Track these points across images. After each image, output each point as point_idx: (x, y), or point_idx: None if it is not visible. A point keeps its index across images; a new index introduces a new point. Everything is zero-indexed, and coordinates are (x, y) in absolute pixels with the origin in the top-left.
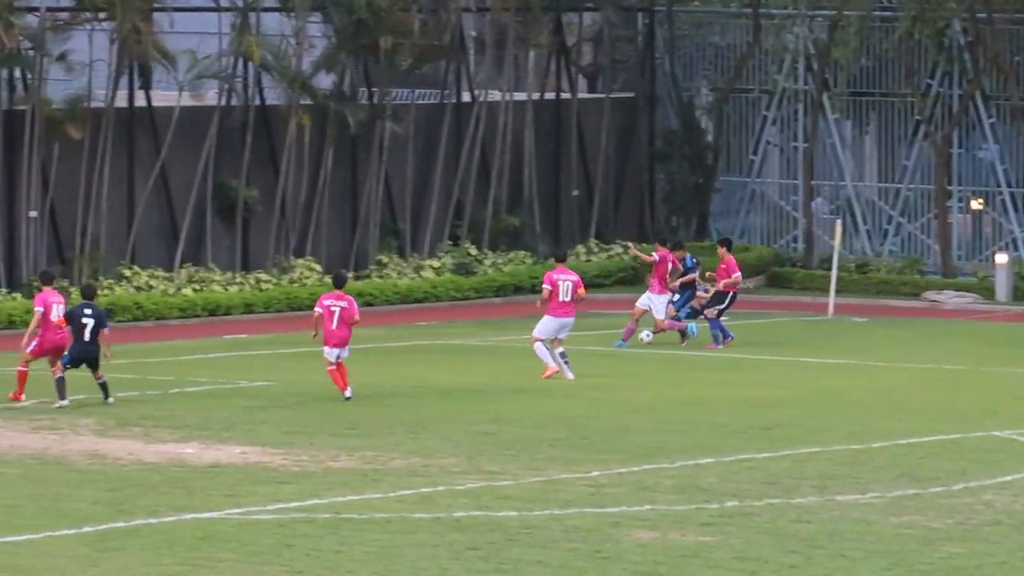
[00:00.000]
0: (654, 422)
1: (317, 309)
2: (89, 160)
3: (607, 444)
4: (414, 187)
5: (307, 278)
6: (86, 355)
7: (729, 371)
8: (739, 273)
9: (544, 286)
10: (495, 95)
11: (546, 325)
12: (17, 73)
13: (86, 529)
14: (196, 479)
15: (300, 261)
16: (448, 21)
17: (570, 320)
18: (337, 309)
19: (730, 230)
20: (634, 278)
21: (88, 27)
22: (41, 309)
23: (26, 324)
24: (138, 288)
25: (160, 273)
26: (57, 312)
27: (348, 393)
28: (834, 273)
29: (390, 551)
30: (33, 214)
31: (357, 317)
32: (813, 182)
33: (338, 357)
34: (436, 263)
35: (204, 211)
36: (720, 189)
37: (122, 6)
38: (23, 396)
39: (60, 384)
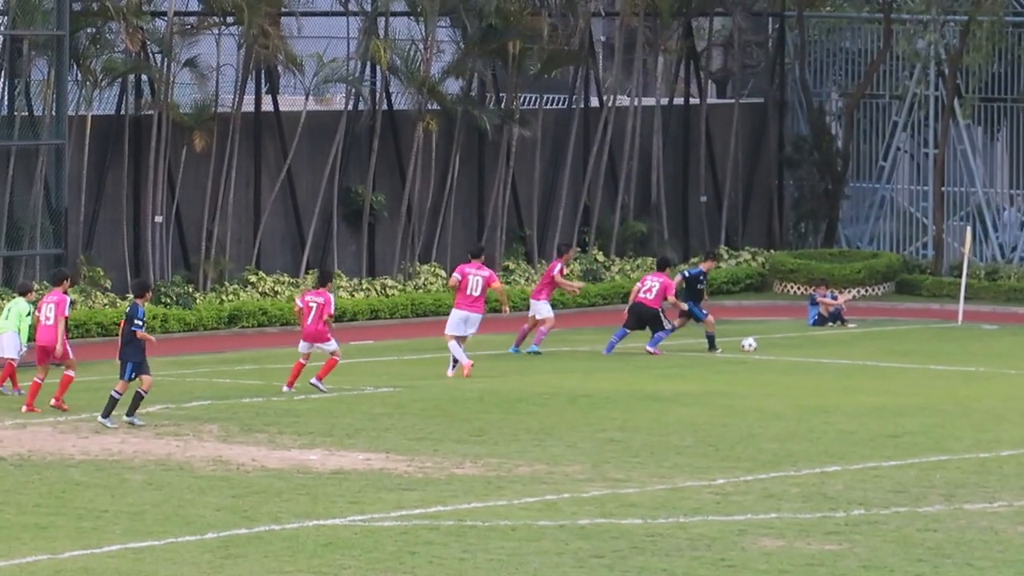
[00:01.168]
0: (781, 429)
1: (298, 303)
2: (216, 165)
3: (733, 452)
4: (541, 193)
5: (432, 284)
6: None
7: (857, 379)
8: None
9: (454, 275)
10: (624, 100)
11: (452, 318)
12: (144, 78)
13: (209, 536)
14: (320, 486)
15: (425, 267)
16: (577, 26)
17: (476, 316)
18: (314, 305)
19: (859, 236)
20: (762, 285)
21: (215, 31)
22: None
23: (152, 330)
24: (263, 294)
25: (286, 278)
26: (44, 312)
27: (286, 388)
28: (964, 280)
29: (514, 559)
30: (159, 219)
31: (327, 315)
32: (944, 188)
33: (308, 351)
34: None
35: (330, 216)
36: (850, 196)
37: (250, 10)
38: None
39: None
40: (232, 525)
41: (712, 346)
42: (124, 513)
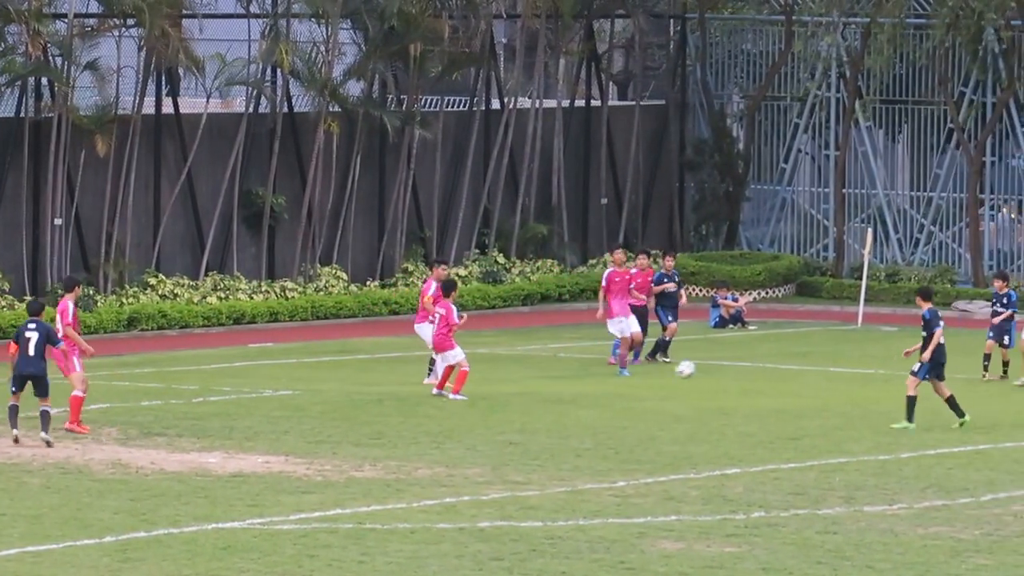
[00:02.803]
0: (681, 432)
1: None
2: (115, 167)
3: (633, 454)
4: (442, 195)
5: (333, 287)
6: (30, 371)
7: (758, 381)
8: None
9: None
10: (525, 102)
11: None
12: (44, 81)
13: (108, 539)
14: (219, 488)
15: (326, 269)
16: (478, 28)
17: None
18: (437, 316)
19: (760, 239)
20: None
21: (116, 34)
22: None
23: None
24: (163, 296)
25: (185, 281)
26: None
27: (436, 391)
28: (864, 282)
29: (413, 562)
30: (58, 221)
31: (449, 325)
32: (844, 190)
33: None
34: (463, 271)
35: (230, 219)
36: (751, 198)
37: (150, 12)
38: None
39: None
40: (130, 528)
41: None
42: (22, 516)
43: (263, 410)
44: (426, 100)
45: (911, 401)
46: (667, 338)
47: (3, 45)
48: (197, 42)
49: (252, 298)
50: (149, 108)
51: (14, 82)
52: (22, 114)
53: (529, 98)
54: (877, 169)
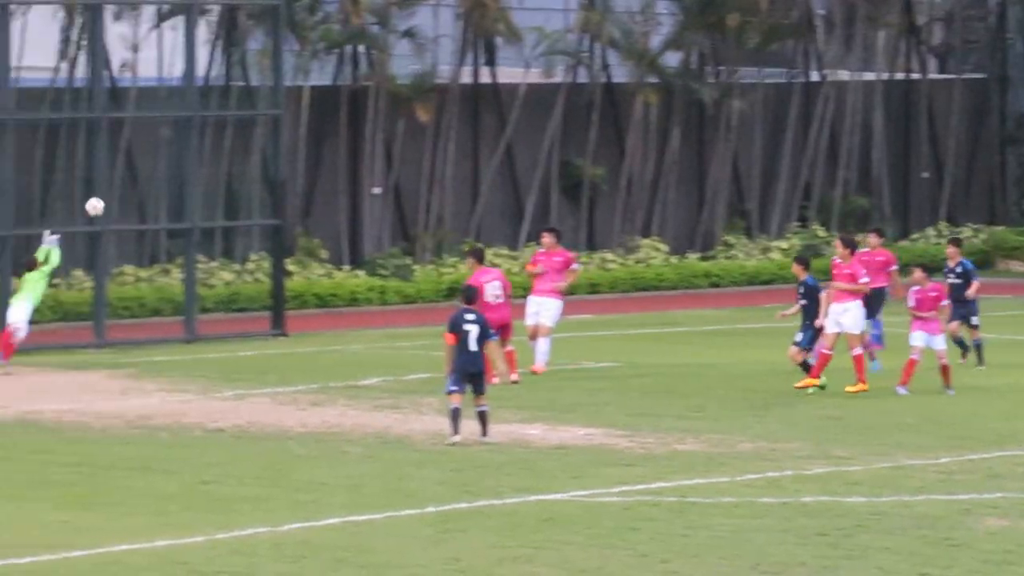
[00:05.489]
0: (1007, 408)
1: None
2: (433, 137)
3: (957, 430)
4: (761, 167)
5: (652, 258)
6: (473, 368)
7: None
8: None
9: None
10: (843, 75)
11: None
12: (361, 49)
13: (429, 509)
14: (541, 460)
15: (646, 241)
16: None
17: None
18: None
19: None
20: (983, 261)
21: (433, 2)
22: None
23: (370, 302)
24: None
25: (504, 251)
26: (492, 290)
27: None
28: None
29: (737, 535)
30: (377, 191)
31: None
32: None
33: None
34: (784, 244)
35: (549, 190)
36: None
37: None
38: None
39: (454, 416)
40: (452, 499)
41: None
42: (343, 486)
43: (583, 382)
44: (744, 72)
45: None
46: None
47: (321, 14)
48: (514, 11)
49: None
50: (467, 78)
51: (331, 50)
52: (339, 82)
53: (848, 70)
54: None
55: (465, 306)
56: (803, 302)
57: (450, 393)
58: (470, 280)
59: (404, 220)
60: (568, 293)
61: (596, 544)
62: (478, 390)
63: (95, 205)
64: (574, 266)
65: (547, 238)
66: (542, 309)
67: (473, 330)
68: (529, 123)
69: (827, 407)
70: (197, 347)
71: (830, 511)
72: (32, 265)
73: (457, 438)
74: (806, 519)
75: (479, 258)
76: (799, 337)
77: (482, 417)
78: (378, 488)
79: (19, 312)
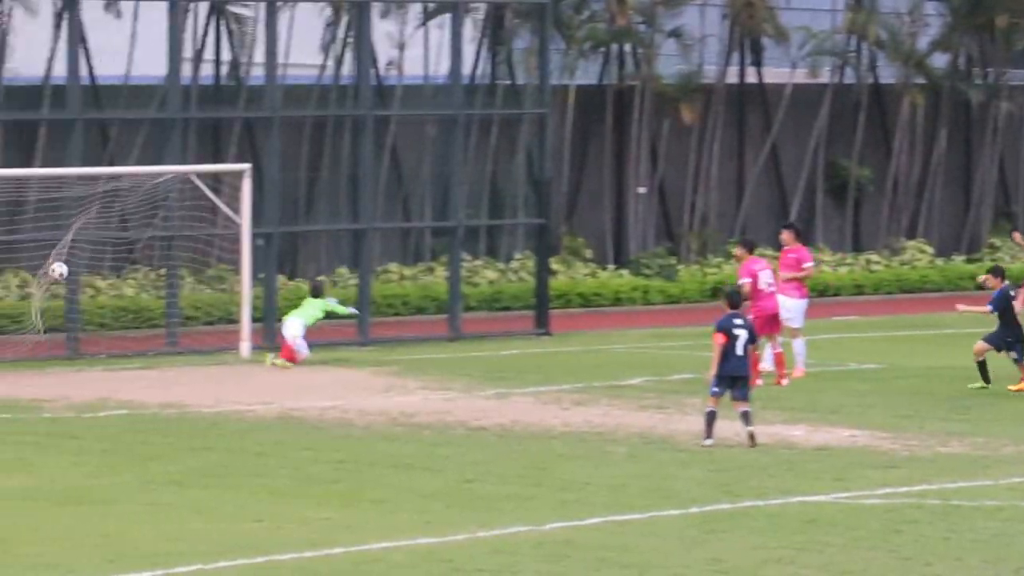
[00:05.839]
0: None
1: None
2: (699, 137)
3: None
4: None
5: (918, 260)
6: (737, 373)
7: None
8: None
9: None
10: None
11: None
12: (627, 49)
13: (692, 510)
14: (804, 462)
15: (911, 243)
16: None
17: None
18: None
19: None
20: None
21: (700, 2)
22: (748, 280)
23: (633, 302)
24: None
25: (769, 251)
26: (765, 278)
27: None
28: None
29: (1001, 539)
30: (642, 190)
31: None
32: None
33: None
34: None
35: (815, 190)
36: None
37: None
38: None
39: (709, 419)
40: (715, 500)
41: None
42: (606, 486)
43: (847, 384)
44: (1012, 73)
45: None
46: None
47: (587, 13)
48: (781, 11)
49: (836, 270)
50: (732, 78)
51: (597, 48)
52: (604, 81)
53: None
54: None
55: (731, 311)
56: None
57: (712, 395)
58: (740, 269)
59: (669, 220)
60: (832, 295)
61: (858, 546)
62: (741, 395)
63: (57, 269)
64: (805, 264)
65: (786, 234)
66: (782, 311)
67: (742, 335)
68: (795, 123)
69: None
70: (460, 345)
71: None
72: (318, 291)
73: (710, 441)
74: None
75: (750, 248)
76: None
77: (746, 418)
78: (641, 488)
79: (293, 328)
